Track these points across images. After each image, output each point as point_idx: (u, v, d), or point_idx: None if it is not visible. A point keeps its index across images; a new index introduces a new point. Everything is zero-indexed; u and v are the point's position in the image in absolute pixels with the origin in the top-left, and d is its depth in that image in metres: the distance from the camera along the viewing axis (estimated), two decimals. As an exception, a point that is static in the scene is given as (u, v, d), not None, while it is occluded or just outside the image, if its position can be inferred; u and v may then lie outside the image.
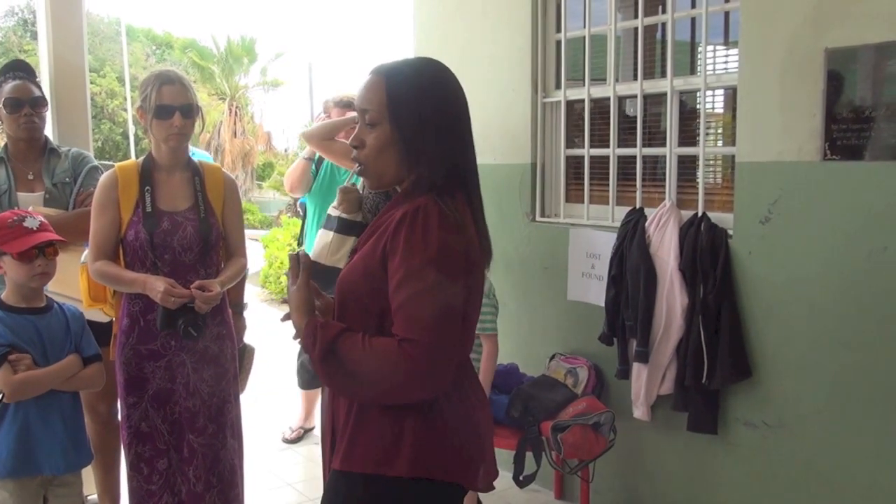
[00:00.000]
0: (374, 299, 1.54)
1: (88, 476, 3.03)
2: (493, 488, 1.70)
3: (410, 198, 1.56)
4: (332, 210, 3.41)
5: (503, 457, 3.52)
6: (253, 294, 9.27)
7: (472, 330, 1.65)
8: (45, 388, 2.36)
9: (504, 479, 2.75)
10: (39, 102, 3.02)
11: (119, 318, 2.66)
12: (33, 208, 2.77)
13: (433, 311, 1.46)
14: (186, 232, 2.59)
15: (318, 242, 3.39)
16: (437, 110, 1.58)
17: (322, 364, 1.55)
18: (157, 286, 2.46)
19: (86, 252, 2.67)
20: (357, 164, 1.65)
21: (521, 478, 3.07)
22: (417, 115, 1.57)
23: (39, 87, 3.07)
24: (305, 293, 1.65)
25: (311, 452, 4.26)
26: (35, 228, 2.39)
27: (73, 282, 2.76)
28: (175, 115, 2.55)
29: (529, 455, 3.10)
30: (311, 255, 3.33)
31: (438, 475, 1.57)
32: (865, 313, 2.54)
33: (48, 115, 3.16)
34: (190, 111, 2.59)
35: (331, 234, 3.35)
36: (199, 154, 4.27)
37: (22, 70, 3.07)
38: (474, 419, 1.65)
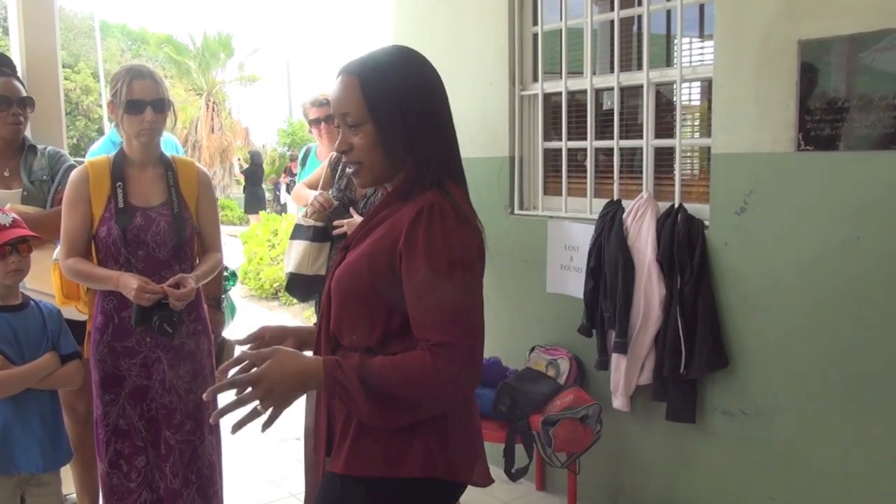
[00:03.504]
0: (381, 299, 1.50)
1: (67, 475, 3.01)
2: (492, 481, 1.67)
3: (410, 194, 1.52)
4: (304, 220, 3.42)
5: (490, 450, 3.54)
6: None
7: None
8: (20, 387, 2.34)
9: (485, 471, 2.76)
10: (27, 102, 3.03)
11: (93, 315, 2.64)
12: (10, 206, 2.74)
13: (467, 311, 1.45)
14: (160, 227, 2.57)
15: (296, 254, 3.41)
16: (417, 101, 1.53)
17: (362, 391, 1.43)
18: (130, 283, 2.43)
19: (58, 249, 2.65)
20: (350, 167, 1.59)
21: (513, 471, 3.08)
22: (398, 109, 1.51)
23: (24, 85, 3.05)
24: (284, 352, 1.47)
25: (292, 448, 4.25)
26: (7, 225, 2.36)
27: (49, 278, 2.74)
28: (146, 110, 2.53)
29: (519, 448, 3.10)
30: (291, 267, 3.39)
31: (446, 474, 1.55)
32: (840, 302, 2.57)
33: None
34: (161, 106, 2.57)
35: (306, 243, 3.38)
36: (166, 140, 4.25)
37: (6, 66, 3.03)
38: (475, 416, 1.66)
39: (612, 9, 3.32)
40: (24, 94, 3.02)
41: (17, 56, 3.50)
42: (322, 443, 1.65)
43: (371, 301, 1.52)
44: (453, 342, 1.42)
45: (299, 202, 3.67)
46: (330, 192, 3.38)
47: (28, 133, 3.37)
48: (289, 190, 15.23)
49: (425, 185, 1.51)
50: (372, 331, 1.52)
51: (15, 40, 3.52)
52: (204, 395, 1.45)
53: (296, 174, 15.66)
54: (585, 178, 3.48)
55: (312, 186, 3.60)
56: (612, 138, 3.36)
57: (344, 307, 1.56)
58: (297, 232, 3.45)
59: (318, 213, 3.35)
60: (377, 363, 1.45)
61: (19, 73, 3.45)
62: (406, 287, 1.47)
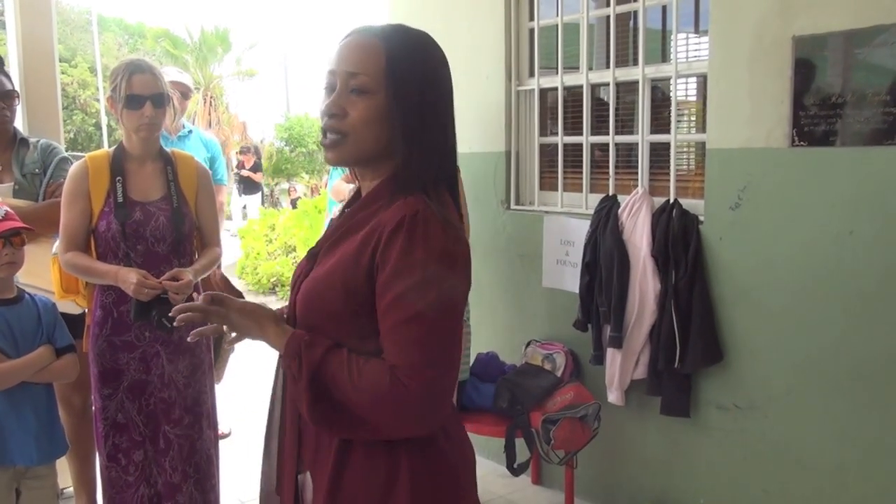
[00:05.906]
0: (354, 321, 1.32)
1: (64, 469, 3.02)
2: None
3: (396, 195, 1.33)
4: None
5: (490, 446, 3.56)
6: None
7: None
8: (14, 380, 2.34)
9: (483, 465, 2.76)
10: (11, 95, 3.00)
11: (92, 309, 2.65)
12: (2, 199, 2.74)
13: (437, 337, 1.27)
14: (159, 222, 2.58)
15: None
16: (436, 89, 1.36)
17: (309, 391, 1.30)
18: (129, 278, 2.44)
19: (57, 243, 2.65)
20: (329, 134, 1.36)
21: (515, 466, 3.09)
22: (421, 90, 1.32)
23: (10, 79, 3.04)
24: (254, 305, 1.43)
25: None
26: (0, 218, 2.36)
27: (45, 273, 2.74)
28: (146, 105, 2.53)
29: (518, 442, 3.11)
30: None
31: None
32: (832, 296, 2.58)
33: (18, 106, 3.12)
34: (161, 101, 2.57)
35: None
36: (199, 130, 4.27)
37: None
38: (469, 455, 1.47)
39: (608, 4, 3.32)
40: (10, 87, 3.00)
41: (13, 50, 3.51)
42: (290, 466, 1.48)
43: (344, 326, 1.34)
44: (413, 368, 1.24)
45: (338, 197, 3.66)
46: None
47: (25, 127, 3.38)
48: (241, 185, 15.16)
49: (415, 186, 1.32)
50: None
51: (12, 34, 3.53)
52: (189, 338, 1.49)
53: (247, 169, 15.75)
54: (581, 173, 3.49)
55: (351, 181, 3.61)
56: (607, 133, 3.37)
57: (310, 326, 1.38)
58: None
59: None
60: (336, 366, 1.29)
61: (17, 68, 3.46)
62: (378, 304, 1.29)
